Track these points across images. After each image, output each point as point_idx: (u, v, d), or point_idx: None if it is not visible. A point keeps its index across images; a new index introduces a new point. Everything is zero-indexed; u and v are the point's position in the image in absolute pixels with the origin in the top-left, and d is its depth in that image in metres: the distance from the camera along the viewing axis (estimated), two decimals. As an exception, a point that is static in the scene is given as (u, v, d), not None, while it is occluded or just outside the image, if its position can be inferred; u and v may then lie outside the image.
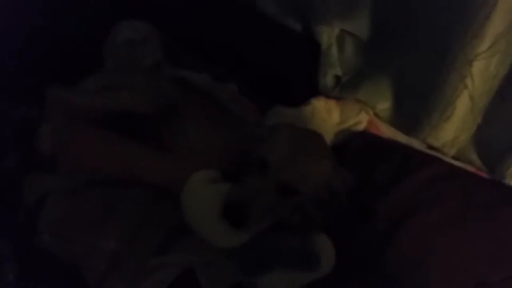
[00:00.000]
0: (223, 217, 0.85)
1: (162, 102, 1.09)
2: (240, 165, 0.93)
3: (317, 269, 0.88)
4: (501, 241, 1.01)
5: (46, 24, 1.27)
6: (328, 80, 1.30)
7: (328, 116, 1.28)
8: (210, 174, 0.95)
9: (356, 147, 1.21)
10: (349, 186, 0.96)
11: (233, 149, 1.02)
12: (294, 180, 0.86)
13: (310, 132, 1.00)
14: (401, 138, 1.25)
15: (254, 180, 0.87)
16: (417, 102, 1.12)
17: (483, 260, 0.98)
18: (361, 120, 1.26)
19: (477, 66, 0.91)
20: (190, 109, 1.12)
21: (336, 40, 1.23)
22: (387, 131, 1.26)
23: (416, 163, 1.12)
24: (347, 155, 1.16)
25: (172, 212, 0.95)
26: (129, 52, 1.39)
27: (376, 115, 1.28)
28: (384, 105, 1.25)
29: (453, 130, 1.08)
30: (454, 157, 1.20)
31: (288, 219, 0.93)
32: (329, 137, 1.24)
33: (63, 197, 0.99)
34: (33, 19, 1.24)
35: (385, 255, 1.00)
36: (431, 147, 1.22)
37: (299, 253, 0.88)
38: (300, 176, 0.87)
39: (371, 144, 1.21)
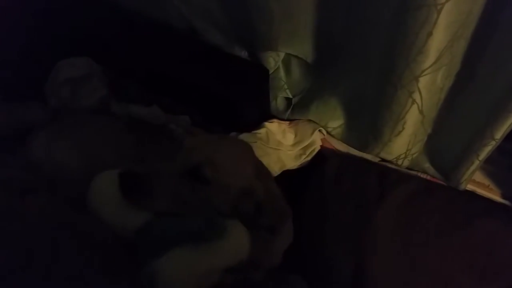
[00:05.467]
0: (121, 192, 0.74)
1: None
2: None
3: (218, 239, 0.74)
4: (485, 253, 1.00)
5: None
6: (279, 103, 1.26)
7: (283, 138, 1.23)
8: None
9: (333, 169, 1.16)
10: (275, 199, 0.87)
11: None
12: (201, 162, 0.76)
13: (238, 140, 0.91)
14: (355, 154, 1.21)
15: (160, 162, 0.78)
16: (368, 119, 1.08)
17: (471, 274, 0.97)
18: (315, 140, 1.22)
19: (424, 81, 0.88)
20: None
21: (283, 64, 1.18)
22: (341, 149, 1.23)
23: (392, 181, 1.10)
24: (325, 177, 1.13)
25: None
26: (72, 90, 1.27)
27: (328, 133, 1.24)
28: (336, 124, 1.21)
29: (405, 144, 1.05)
30: (408, 168, 1.17)
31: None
32: (290, 161, 1.19)
33: None
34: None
35: (371, 276, 0.96)
36: (384, 160, 1.18)
37: (200, 225, 0.75)
38: (208, 160, 0.77)
39: (347, 165, 1.17)
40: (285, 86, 1.23)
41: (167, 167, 0.77)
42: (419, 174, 1.17)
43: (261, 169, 0.90)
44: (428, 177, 1.16)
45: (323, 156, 1.21)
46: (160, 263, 0.69)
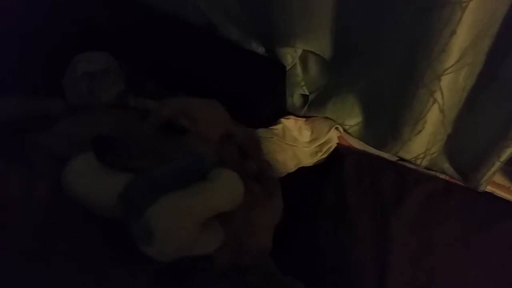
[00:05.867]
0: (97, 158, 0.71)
1: None
2: None
3: (207, 179, 0.72)
4: (505, 256, 0.98)
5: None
6: (295, 99, 1.25)
7: (299, 134, 1.23)
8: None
9: (351, 167, 1.15)
10: (252, 139, 0.88)
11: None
12: (175, 113, 0.76)
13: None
14: (373, 152, 1.20)
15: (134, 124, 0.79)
16: (387, 118, 1.07)
17: (490, 277, 0.96)
18: (332, 137, 1.21)
19: (446, 80, 0.86)
20: None
21: (300, 60, 1.17)
22: (358, 147, 1.22)
23: (411, 181, 1.09)
24: (345, 175, 1.12)
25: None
26: (89, 85, 1.28)
27: (345, 131, 1.23)
28: (353, 121, 1.20)
29: (425, 143, 1.04)
30: (426, 167, 1.15)
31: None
32: (306, 158, 1.19)
33: None
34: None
35: (389, 278, 0.94)
36: (402, 159, 1.17)
37: (186, 168, 0.73)
38: (182, 111, 0.78)
39: (365, 163, 1.16)
40: (302, 83, 1.22)
41: (141, 127, 0.77)
42: (437, 174, 1.15)
43: (237, 123, 0.90)
44: (447, 178, 1.14)
45: (340, 153, 1.20)
46: (153, 210, 0.66)
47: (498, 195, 1.09)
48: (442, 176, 1.14)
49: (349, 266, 0.96)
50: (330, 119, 1.23)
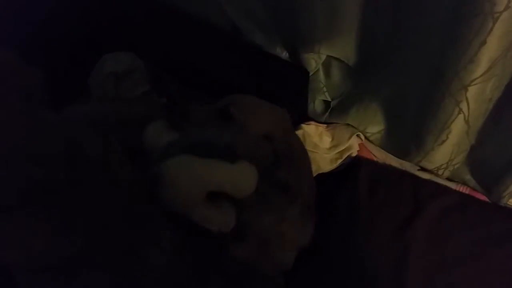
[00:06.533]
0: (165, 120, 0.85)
1: None
2: None
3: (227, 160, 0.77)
4: None
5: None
6: (317, 105, 1.25)
7: (320, 141, 1.22)
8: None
9: (367, 178, 1.13)
10: (293, 151, 0.91)
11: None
12: (229, 102, 0.87)
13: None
14: (394, 161, 1.18)
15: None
16: (410, 127, 1.06)
17: None
18: (352, 145, 1.20)
19: (473, 91, 0.85)
20: None
21: (323, 66, 1.17)
22: (379, 155, 1.20)
23: (427, 195, 1.08)
24: (359, 185, 1.11)
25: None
26: (115, 84, 1.30)
27: (367, 138, 1.22)
28: (375, 129, 1.19)
29: (448, 154, 1.02)
30: (448, 178, 1.14)
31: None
32: (326, 164, 1.18)
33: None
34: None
35: None
36: (423, 168, 1.15)
37: (212, 143, 0.80)
38: (236, 102, 0.88)
39: (381, 175, 1.14)
40: (324, 89, 1.22)
41: (204, 106, 0.89)
42: (459, 185, 1.13)
43: (290, 132, 0.97)
44: (468, 190, 1.12)
45: (356, 163, 1.19)
46: (166, 164, 0.73)
47: (517, 209, 1.07)
48: (460, 189, 1.12)
49: (362, 281, 0.95)
50: (352, 126, 1.22)
